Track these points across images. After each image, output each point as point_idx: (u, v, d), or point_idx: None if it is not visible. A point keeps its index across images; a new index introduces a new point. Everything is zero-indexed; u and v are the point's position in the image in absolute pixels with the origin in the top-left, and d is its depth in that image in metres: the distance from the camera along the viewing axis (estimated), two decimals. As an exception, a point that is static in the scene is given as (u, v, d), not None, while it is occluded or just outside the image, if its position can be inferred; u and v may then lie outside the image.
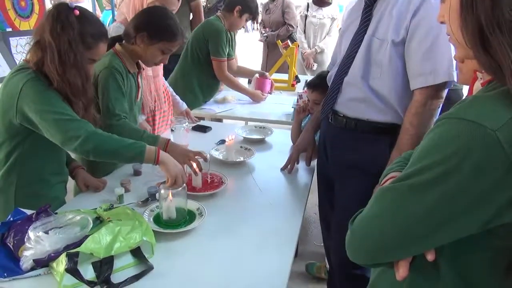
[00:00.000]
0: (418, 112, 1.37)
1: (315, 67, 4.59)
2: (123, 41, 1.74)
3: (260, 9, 4.57)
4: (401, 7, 1.38)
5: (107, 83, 1.65)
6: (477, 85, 0.71)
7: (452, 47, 1.28)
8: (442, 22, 0.72)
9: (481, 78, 0.69)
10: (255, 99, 2.95)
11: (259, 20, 4.91)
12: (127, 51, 1.72)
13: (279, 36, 4.60)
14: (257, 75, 3.11)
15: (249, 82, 3.42)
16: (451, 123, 0.62)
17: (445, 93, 1.39)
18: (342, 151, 1.60)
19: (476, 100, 0.64)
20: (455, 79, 1.33)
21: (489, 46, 0.61)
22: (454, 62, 1.31)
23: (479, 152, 0.58)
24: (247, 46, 5.37)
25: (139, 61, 1.79)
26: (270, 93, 3.09)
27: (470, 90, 0.71)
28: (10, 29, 2.68)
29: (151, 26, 1.66)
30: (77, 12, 1.31)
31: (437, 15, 0.74)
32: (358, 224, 0.71)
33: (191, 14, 3.51)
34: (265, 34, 4.75)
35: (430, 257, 0.66)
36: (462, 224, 0.62)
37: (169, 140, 1.65)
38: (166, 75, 2.44)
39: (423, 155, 0.64)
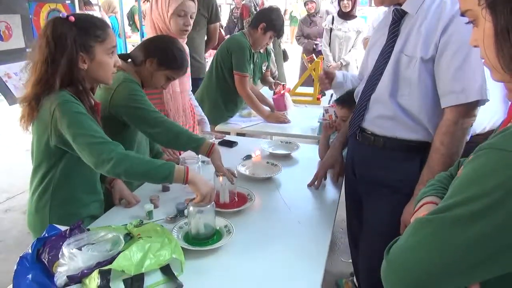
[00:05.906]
0: (449, 131, 1.33)
1: (340, 80, 4.57)
2: (128, 60, 1.78)
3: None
4: (430, 24, 1.36)
5: (133, 91, 1.65)
6: None
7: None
8: (475, 46, 0.71)
9: None
10: (269, 121, 2.83)
11: (299, 34, 5.15)
12: (132, 69, 1.75)
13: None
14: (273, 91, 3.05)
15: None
16: (492, 153, 0.61)
17: (477, 111, 1.34)
18: (370, 168, 1.57)
19: None
20: (488, 97, 1.29)
21: None
22: (487, 79, 1.28)
23: None
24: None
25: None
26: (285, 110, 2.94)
27: (509, 115, 0.69)
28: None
29: (162, 53, 1.74)
30: (72, 18, 1.32)
31: (467, 32, 0.72)
32: (395, 255, 0.69)
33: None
34: (320, 44, 4.91)
35: None
36: (506, 259, 0.60)
37: (214, 144, 1.70)
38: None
39: (464, 187, 0.63)
